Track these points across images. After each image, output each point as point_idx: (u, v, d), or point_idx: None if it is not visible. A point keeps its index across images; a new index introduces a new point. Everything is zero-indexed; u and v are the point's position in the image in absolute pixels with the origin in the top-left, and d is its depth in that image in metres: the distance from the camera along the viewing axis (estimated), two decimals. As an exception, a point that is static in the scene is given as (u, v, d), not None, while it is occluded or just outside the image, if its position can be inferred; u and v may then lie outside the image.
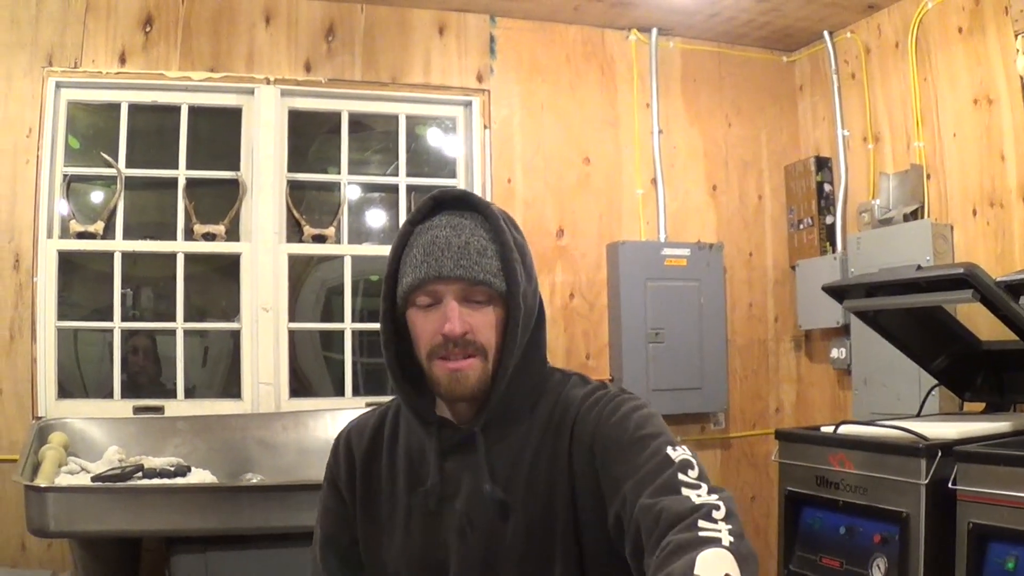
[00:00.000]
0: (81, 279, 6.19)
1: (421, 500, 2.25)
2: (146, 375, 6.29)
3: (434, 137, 7.10)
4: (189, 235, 6.15)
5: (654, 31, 7.13)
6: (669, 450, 2.00)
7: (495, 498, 2.16)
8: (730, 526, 1.80)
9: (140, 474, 4.81)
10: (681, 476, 1.93)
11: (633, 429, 2.09)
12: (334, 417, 5.87)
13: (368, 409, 2.54)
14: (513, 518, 2.17)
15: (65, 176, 5.96)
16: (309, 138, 6.74)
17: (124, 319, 6.10)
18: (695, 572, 1.67)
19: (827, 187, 7.15)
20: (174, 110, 6.23)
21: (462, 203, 2.23)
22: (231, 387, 6.28)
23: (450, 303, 2.11)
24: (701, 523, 1.79)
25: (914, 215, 6.23)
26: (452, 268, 2.09)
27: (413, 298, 2.16)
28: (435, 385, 2.18)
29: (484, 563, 2.18)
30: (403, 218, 6.32)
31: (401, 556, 2.27)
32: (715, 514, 1.82)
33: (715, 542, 1.74)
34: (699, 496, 1.88)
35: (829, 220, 7.09)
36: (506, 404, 2.21)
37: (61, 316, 5.88)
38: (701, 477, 1.95)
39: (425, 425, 2.27)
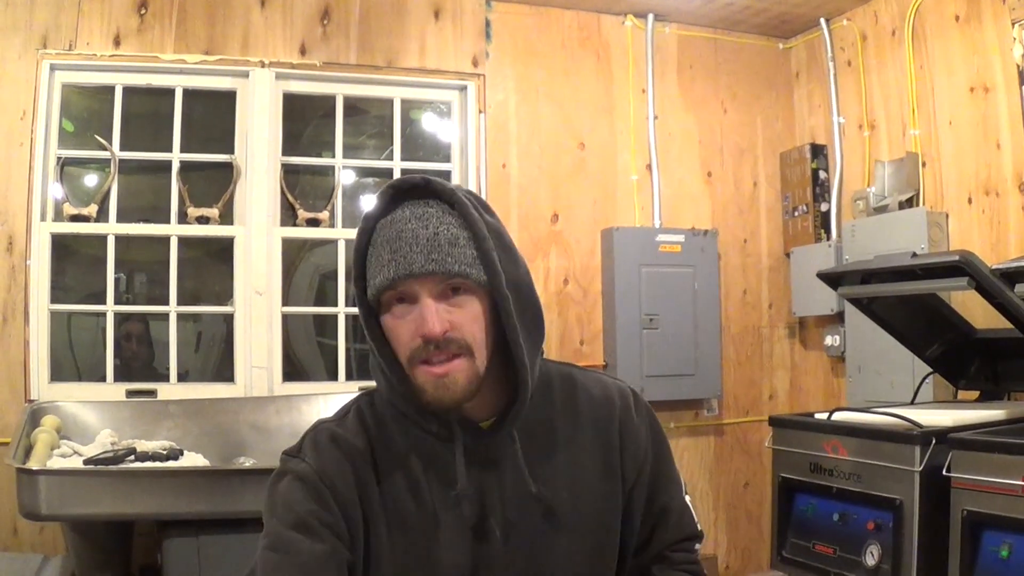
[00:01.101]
0: (75, 262, 6.19)
1: (449, 507, 2.05)
2: (139, 359, 6.28)
3: (429, 122, 7.09)
4: (183, 218, 6.12)
5: (650, 17, 7.12)
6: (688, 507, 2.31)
7: (541, 500, 2.06)
8: None
9: (132, 457, 4.80)
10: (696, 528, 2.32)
11: (674, 468, 2.30)
12: (327, 401, 5.86)
13: (335, 416, 2.21)
14: (559, 519, 2.09)
15: (59, 159, 5.94)
16: (304, 122, 6.73)
17: (117, 303, 6.09)
18: None
19: (822, 174, 7.15)
20: (168, 93, 6.21)
21: (424, 191, 2.04)
22: (224, 371, 6.27)
23: (426, 301, 1.94)
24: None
25: (909, 203, 6.23)
26: (423, 263, 1.92)
27: (386, 300, 1.99)
28: (419, 392, 2.00)
29: (528, 567, 2.08)
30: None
31: (426, 564, 2.04)
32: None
33: None
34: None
35: (824, 207, 7.09)
36: (528, 398, 2.07)
37: (54, 299, 5.87)
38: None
39: (442, 426, 2.07)
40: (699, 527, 2.31)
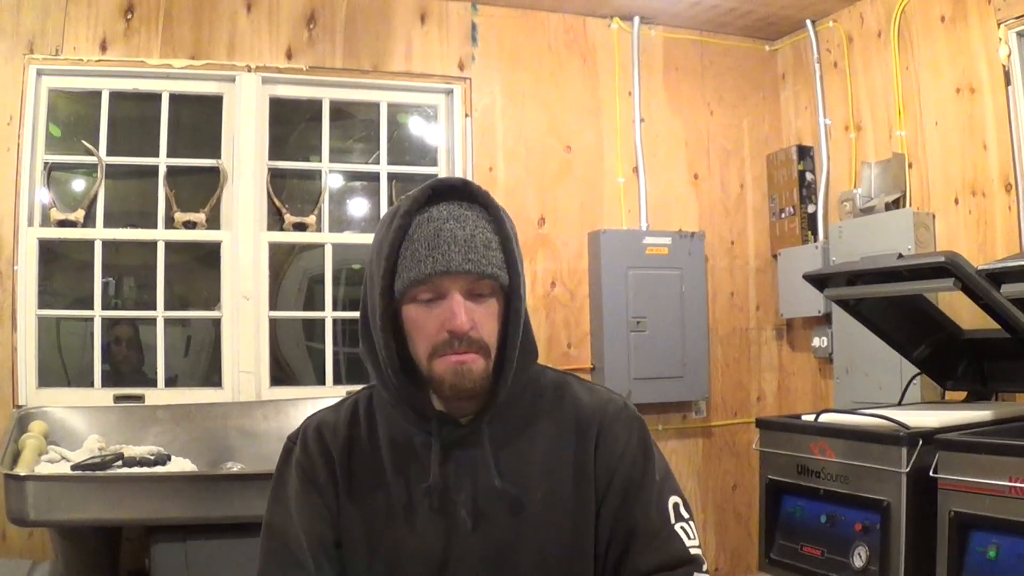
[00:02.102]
0: (62, 268, 6.17)
1: (422, 496, 2.16)
2: (128, 364, 6.28)
3: (416, 125, 7.09)
4: (170, 223, 6.12)
5: (636, 19, 7.12)
6: (679, 526, 2.18)
7: (508, 494, 2.13)
8: None
9: (120, 463, 4.80)
10: (691, 552, 2.16)
11: (660, 479, 2.22)
12: (315, 406, 5.75)
13: (330, 406, 2.41)
14: (529, 514, 2.14)
15: (46, 164, 5.94)
16: (290, 126, 6.72)
17: (105, 307, 6.08)
18: None
19: (809, 176, 7.16)
20: (155, 98, 6.21)
21: (461, 193, 2.15)
22: (212, 375, 6.27)
23: (456, 298, 2.05)
24: None
25: (896, 204, 6.25)
26: (461, 262, 2.03)
27: (414, 293, 2.08)
28: (438, 383, 2.11)
29: (496, 559, 2.13)
30: (384, 206, 6.36)
31: (394, 554, 2.17)
32: None
33: None
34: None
35: (811, 209, 7.10)
36: (507, 398, 2.18)
37: (42, 304, 5.86)
38: (699, 550, 2.18)
39: (422, 420, 2.18)
40: (695, 552, 2.15)
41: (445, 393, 2.12)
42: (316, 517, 2.22)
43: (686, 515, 2.21)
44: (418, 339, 2.11)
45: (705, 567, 2.15)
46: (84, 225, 5.95)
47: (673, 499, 2.21)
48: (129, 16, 6.00)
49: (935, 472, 4.12)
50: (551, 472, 2.17)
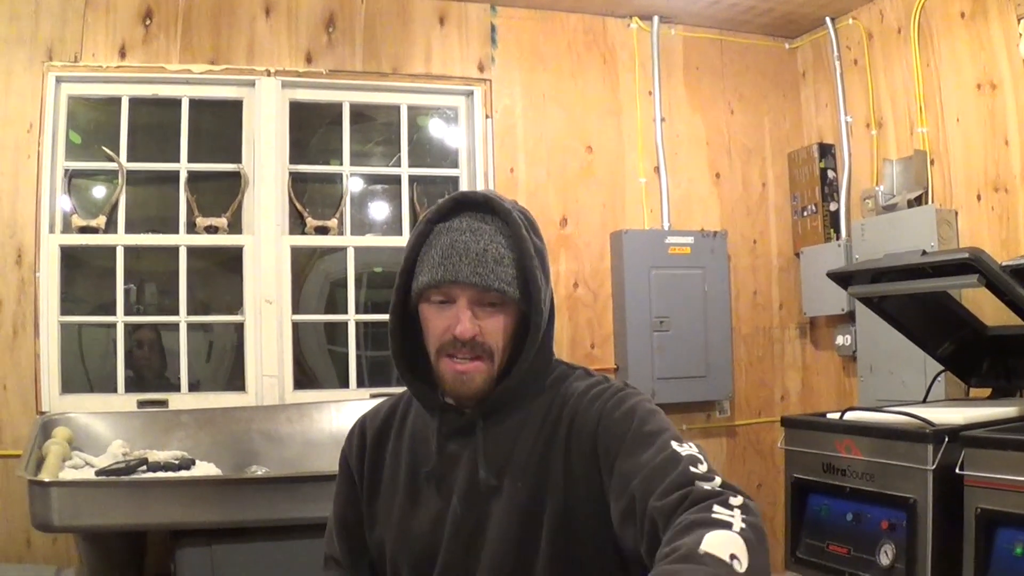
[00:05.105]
0: (84, 274, 6.19)
1: (422, 481, 2.33)
2: (150, 369, 6.28)
3: (436, 127, 7.09)
4: (191, 228, 6.14)
5: (656, 19, 7.11)
6: (675, 446, 2.03)
7: (491, 482, 2.23)
8: (745, 515, 1.81)
9: (144, 468, 4.80)
10: (692, 469, 1.95)
11: (638, 424, 2.11)
12: (339, 409, 5.87)
13: (387, 398, 2.59)
14: (501, 500, 2.21)
15: (66, 171, 5.96)
16: (310, 130, 6.73)
17: (127, 313, 6.09)
18: (701, 548, 1.68)
19: (831, 174, 7.14)
20: (175, 103, 6.22)
21: (484, 207, 2.28)
22: (235, 380, 6.27)
23: (462, 306, 2.17)
24: (716, 508, 1.81)
25: (918, 201, 6.22)
26: (468, 275, 2.15)
27: (427, 294, 2.22)
28: (441, 381, 2.26)
29: (470, 542, 2.23)
30: (405, 209, 6.37)
31: (398, 534, 2.35)
32: (732, 501, 1.85)
33: (726, 525, 1.76)
34: (712, 486, 1.91)
35: (833, 207, 7.08)
36: (510, 393, 2.26)
37: (64, 311, 5.88)
38: (711, 470, 1.98)
39: (430, 410, 2.34)
40: (714, 488, 1.89)
41: (447, 393, 2.29)
42: (345, 500, 2.51)
43: (702, 458, 2.03)
44: (429, 336, 2.25)
45: (738, 499, 1.88)
46: (105, 231, 5.97)
47: (687, 450, 2.04)
48: (147, 22, 6.01)
49: (961, 469, 4.09)
50: (527, 460, 2.22)
